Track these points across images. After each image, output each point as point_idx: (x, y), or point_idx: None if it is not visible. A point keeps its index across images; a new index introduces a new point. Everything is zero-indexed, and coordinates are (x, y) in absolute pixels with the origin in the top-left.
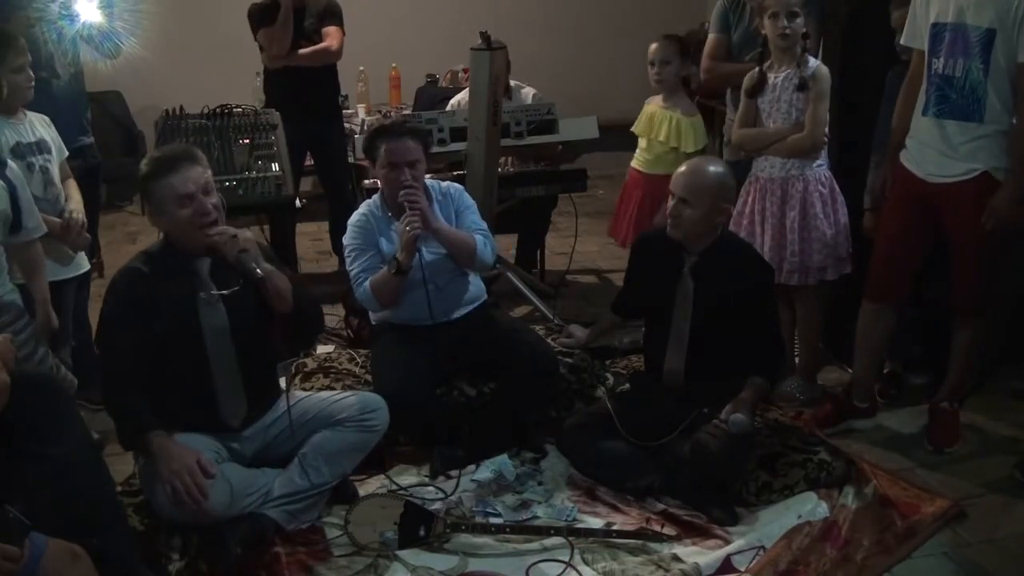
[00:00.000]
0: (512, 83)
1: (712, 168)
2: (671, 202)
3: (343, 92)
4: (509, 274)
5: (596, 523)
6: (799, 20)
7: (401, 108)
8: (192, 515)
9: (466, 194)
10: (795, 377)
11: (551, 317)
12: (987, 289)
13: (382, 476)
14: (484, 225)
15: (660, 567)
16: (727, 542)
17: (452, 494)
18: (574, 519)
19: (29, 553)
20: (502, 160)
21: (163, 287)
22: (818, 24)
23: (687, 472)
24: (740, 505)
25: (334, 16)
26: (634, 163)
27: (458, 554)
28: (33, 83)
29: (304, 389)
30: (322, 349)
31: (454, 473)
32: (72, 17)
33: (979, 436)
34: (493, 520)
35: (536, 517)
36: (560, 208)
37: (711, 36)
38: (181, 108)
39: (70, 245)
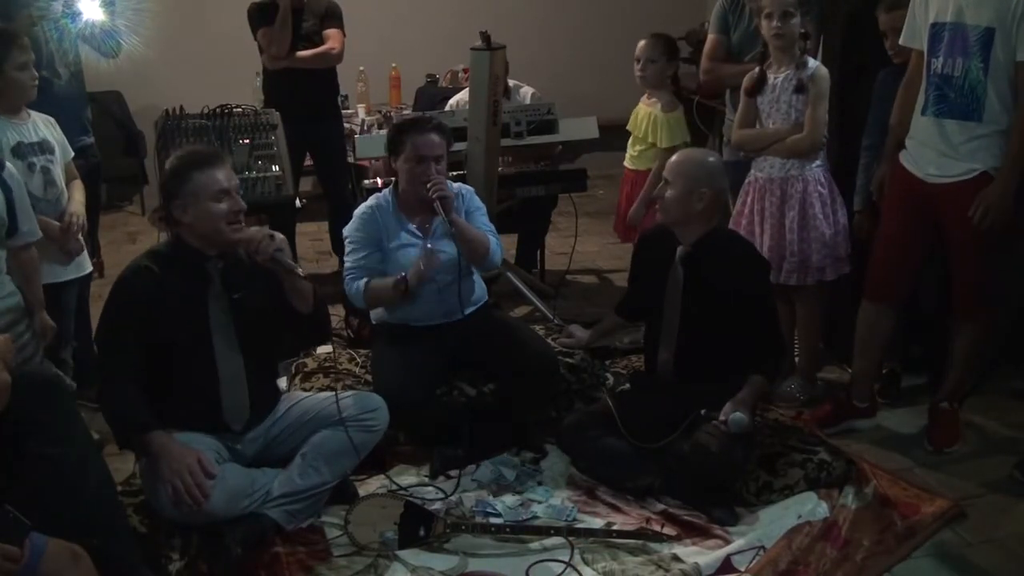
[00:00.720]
0: (511, 83)
1: (699, 155)
2: (660, 185)
3: (343, 92)
4: (509, 274)
5: (596, 523)
6: (794, 20)
7: (401, 108)
8: (192, 515)
9: (476, 196)
10: (795, 377)
11: (551, 317)
12: (987, 289)
13: (382, 476)
14: (493, 228)
15: (660, 567)
16: (727, 542)
17: (452, 494)
18: (574, 519)
19: (29, 553)
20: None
21: (173, 286)
22: (818, 24)
23: (687, 472)
24: (740, 505)
25: (335, 18)
26: (624, 160)
27: (458, 554)
28: (37, 81)
29: (304, 389)
30: (322, 349)
31: (454, 473)
32: (74, 16)
33: (979, 436)
34: (493, 520)
35: (536, 517)
36: (560, 208)
37: (710, 37)
38: (181, 108)
39: (64, 248)
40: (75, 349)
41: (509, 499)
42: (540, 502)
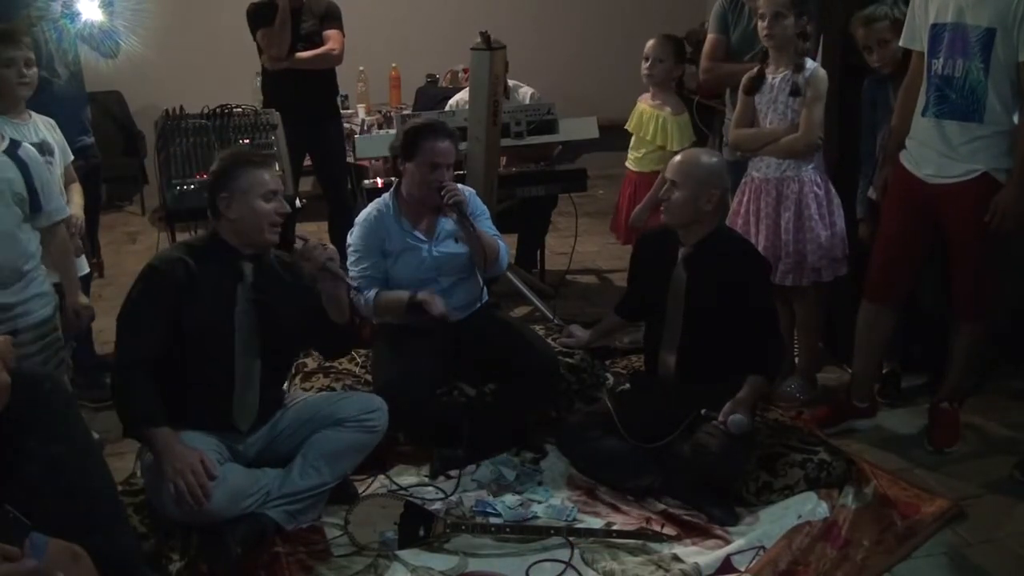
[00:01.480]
0: (510, 82)
1: (704, 155)
2: (664, 187)
3: (343, 92)
4: (509, 274)
5: (596, 523)
6: (787, 21)
7: (401, 108)
8: (193, 515)
9: (479, 199)
10: (795, 377)
11: (551, 317)
12: (987, 290)
13: (382, 476)
14: (497, 232)
15: (660, 567)
16: (727, 542)
17: (452, 494)
18: (574, 519)
19: (29, 553)
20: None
21: (205, 278)
22: (817, 25)
23: (687, 472)
24: (740, 505)
25: (334, 19)
26: (627, 162)
27: (458, 554)
28: (26, 80)
29: (304, 389)
30: None
31: (454, 473)
32: (73, 16)
33: (979, 436)
34: (493, 520)
35: (536, 517)
36: (560, 208)
37: (710, 37)
38: (181, 108)
39: None
40: (75, 349)
41: (509, 499)
42: (540, 502)
